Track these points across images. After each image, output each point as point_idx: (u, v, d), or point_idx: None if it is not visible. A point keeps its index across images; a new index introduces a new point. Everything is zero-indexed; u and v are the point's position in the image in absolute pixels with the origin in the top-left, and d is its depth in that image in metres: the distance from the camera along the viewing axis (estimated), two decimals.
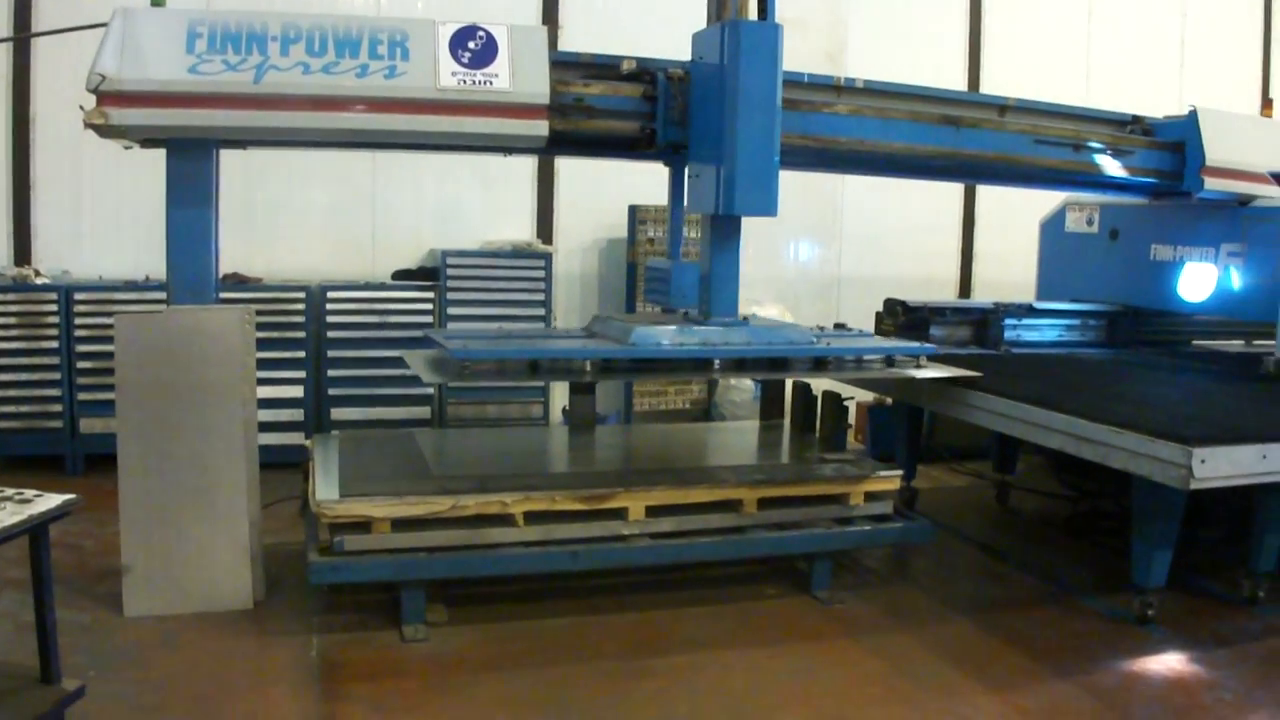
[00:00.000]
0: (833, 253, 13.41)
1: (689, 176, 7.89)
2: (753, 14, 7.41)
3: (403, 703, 6.02)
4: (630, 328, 7.52)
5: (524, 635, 6.96)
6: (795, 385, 9.39)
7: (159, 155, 6.91)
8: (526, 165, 12.09)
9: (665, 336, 7.49)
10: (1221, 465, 6.39)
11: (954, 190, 14.13)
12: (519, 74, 7.15)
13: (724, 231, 7.79)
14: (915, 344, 8.71)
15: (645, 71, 7.84)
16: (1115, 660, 7.04)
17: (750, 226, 12.40)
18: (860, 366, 8.26)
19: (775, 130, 7.38)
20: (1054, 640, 7.32)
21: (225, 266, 10.10)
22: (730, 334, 7.68)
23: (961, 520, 9.97)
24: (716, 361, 7.70)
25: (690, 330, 7.63)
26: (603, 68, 7.84)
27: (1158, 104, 10.87)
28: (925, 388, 8.39)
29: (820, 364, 8.06)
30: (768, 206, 7.46)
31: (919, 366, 8.28)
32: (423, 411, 11.08)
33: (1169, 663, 7.07)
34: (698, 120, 7.67)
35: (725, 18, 7.38)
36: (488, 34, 7.15)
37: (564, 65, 7.69)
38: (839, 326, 9.73)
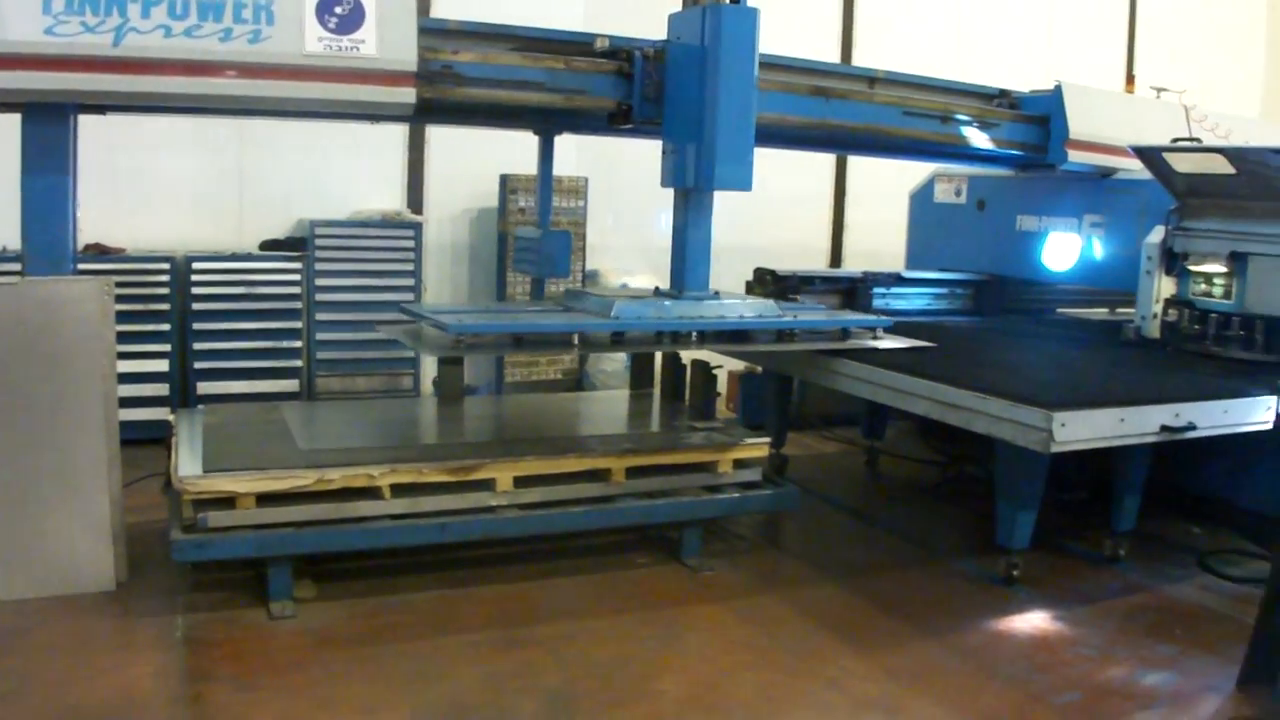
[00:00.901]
0: None
1: (664, 153, 7.93)
2: None
3: (269, 681, 5.90)
4: (610, 302, 7.63)
5: (393, 609, 6.89)
6: (665, 354, 9.37)
7: (14, 120, 6.72)
8: (398, 134, 11.93)
9: (646, 310, 7.70)
10: (1081, 429, 6.53)
11: (826, 161, 14.20)
12: (386, 40, 6.99)
13: (697, 207, 8.00)
14: (873, 317, 9.02)
15: (543, 44, 7.88)
16: (981, 620, 7.17)
17: (623, 197, 12.47)
18: (821, 338, 8.40)
19: (752, 109, 7.60)
20: (922, 602, 7.44)
21: (87, 237, 9.94)
22: (704, 308, 7.88)
23: (831, 486, 10.07)
24: (694, 334, 7.85)
25: (666, 304, 7.81)
26: (475, 35, 7.77)
27: (1027, 79, 11.02)
28: (793, 356, 8.44)
29: (785, 336, 8.18)
30: (745, 181, 7.69)
31: (876, 338, 8.50)
32: (291, 385, 10.88)
33: (1033, 621, 7.22)
34: (673, 98, 7.79)
35: (704, 1, 7.53)
36: None
37: (433, 32, 7.57)
38: (788, 299, 9.73)
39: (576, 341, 7.62)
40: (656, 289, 8.31)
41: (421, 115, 7.85)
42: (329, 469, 6.85)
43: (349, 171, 11.80)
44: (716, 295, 8.12)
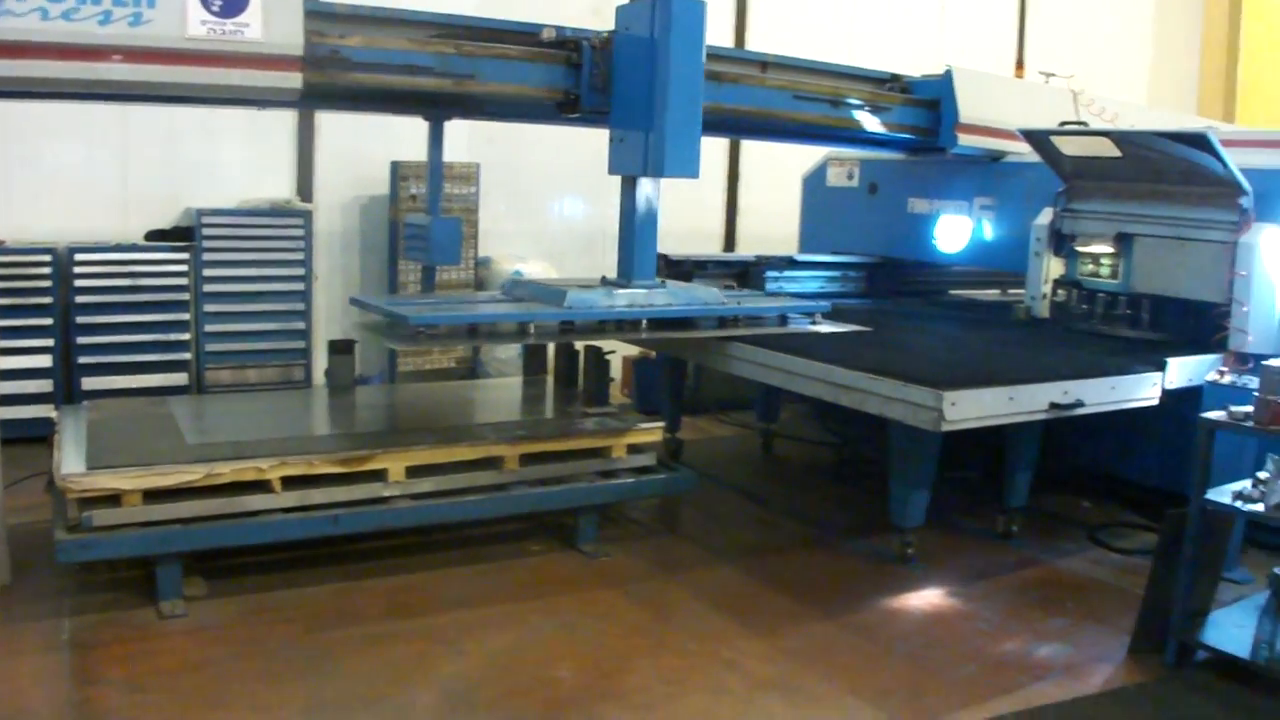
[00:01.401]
0: (598, 208, 13.37)
1: (611, 140, 8.01)
2: None
3: (160, 682, 5.78)
4: (561, 291, 7.68)
5: (286, 604, 6.77)
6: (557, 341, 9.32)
7: None
8: (287, 120, 11.77)
9: (598, 299, 7.72)
10: (971, 407, 6.60)
11: (719, 145, 14.18)
12: (271, 24, 6.84)
13: (645, 195, 8.07)
14: (811, 302, 9.10)
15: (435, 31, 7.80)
16: (877, 598, 7.24)
17: (516, 184, 12.40)
18: (764, 324, 8.47)
19: (699, 99, 7.77)
20: (818, 582, 7.49)
21: None
22: (653, 296, 7.97)
23: (727, 470, 10.08)
24: (644, 322, 7.96)
25: (616, 293, 7.85)
26: (364, 19, 7.67)
27: (919, 64, 11.09)
28: (683, 341, 8.47)
29: (728, 323, 8.30)
30: (694, 168, 7.83)
31: (815, 322, 8.60)
32: (180, 378, 10.64)
33: (928, 598, 7.31)
34: (621, 87, 7.87)
35: None
36: None
37: (321, 15, 7.36)
38: (727, 287, 9.74)
39: (533, 331, 7.70)
40: (603, 278, 8.32)
41: (309, 101, 7.77)
42: (217, 463, 6.73)
43: (237, 159, 11.57)
44: (664, 283, 8.25)
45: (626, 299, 7.85)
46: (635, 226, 8.11)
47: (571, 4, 12.44)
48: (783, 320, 8.59)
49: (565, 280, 8.75)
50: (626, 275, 8.10)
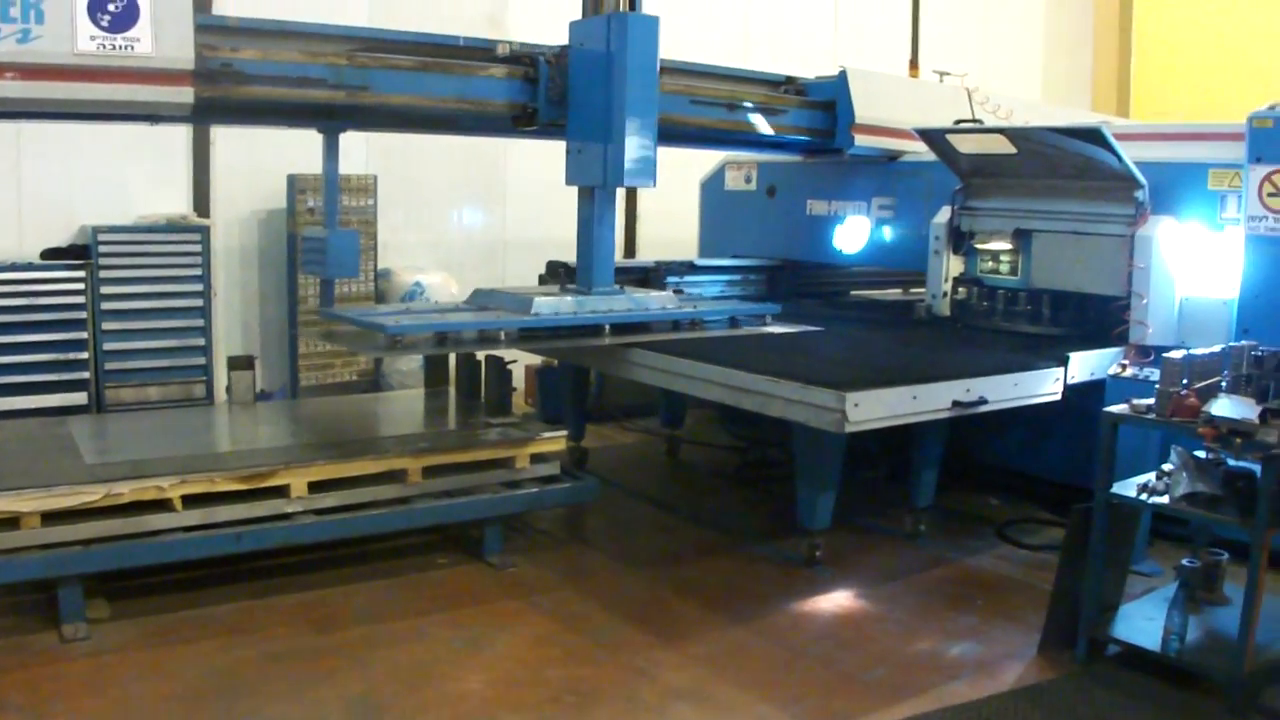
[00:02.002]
0: (497, 217, 13.30)
1: (569, 152, 8.24)
2: None
3: (64, 707, 5.64)
4: (528, 299, 7.95)
5: (191, 624, 6.63)
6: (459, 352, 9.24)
7: None
8: (182, 135, 11.55)
9: (563, 306, 8.05)
10: (874, 408, 6.55)
11: None
12: (161, 38, 6.72)
13: (603, 204, 8.41)
14: (761, 304, 9.35)
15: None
16: (787, 602, 7.20)
17: (415, 195, 12.30)
18: (718, 327, 8.74)
19: (655, 110, 8.07)
20: (727, 588, 7.44)
21: None
22: (613, 302, 8.32)
23: (633, 477, 10.04)
24: (606, 326, 8.23)
25: (581, 300, 8.18)
26: (251, 32, 7.54)
27: (814, 67, 11.10)
28: (585, 348, 8.41)
29: (685, 326, 8.59)
30: (651, 177, 8.17)
31: (765, 324, 8.85)
32: (79, 398, 10.39)
33: (838, 600, 7.29)
34: (578, 100, 8.14)
35: (605, 10, 8.04)
36: None
37: (213, 29, 7.28)
38: (678, 292, 9.78)
39: (503, 338, 7.87)
40: (562, 285, 8.76)
41: (202, 115, 7.65)
42: (117, 483, 6.58)
43: (134, 175, 11.34)
44: (622, 290, 8.54)
45: (590, 305, 8.16)
46: (593, 236, 8.42)
47: (467, 12, 12.43)
48: (734, 322, 8.83)
49: (527, 289, 8.87)
50: (587, 283, 8.39)
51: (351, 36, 7.88)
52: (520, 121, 8.37)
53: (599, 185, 8.21)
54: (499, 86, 8.14)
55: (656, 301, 8.61)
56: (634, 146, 7.94)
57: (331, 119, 8.01)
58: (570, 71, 8.21)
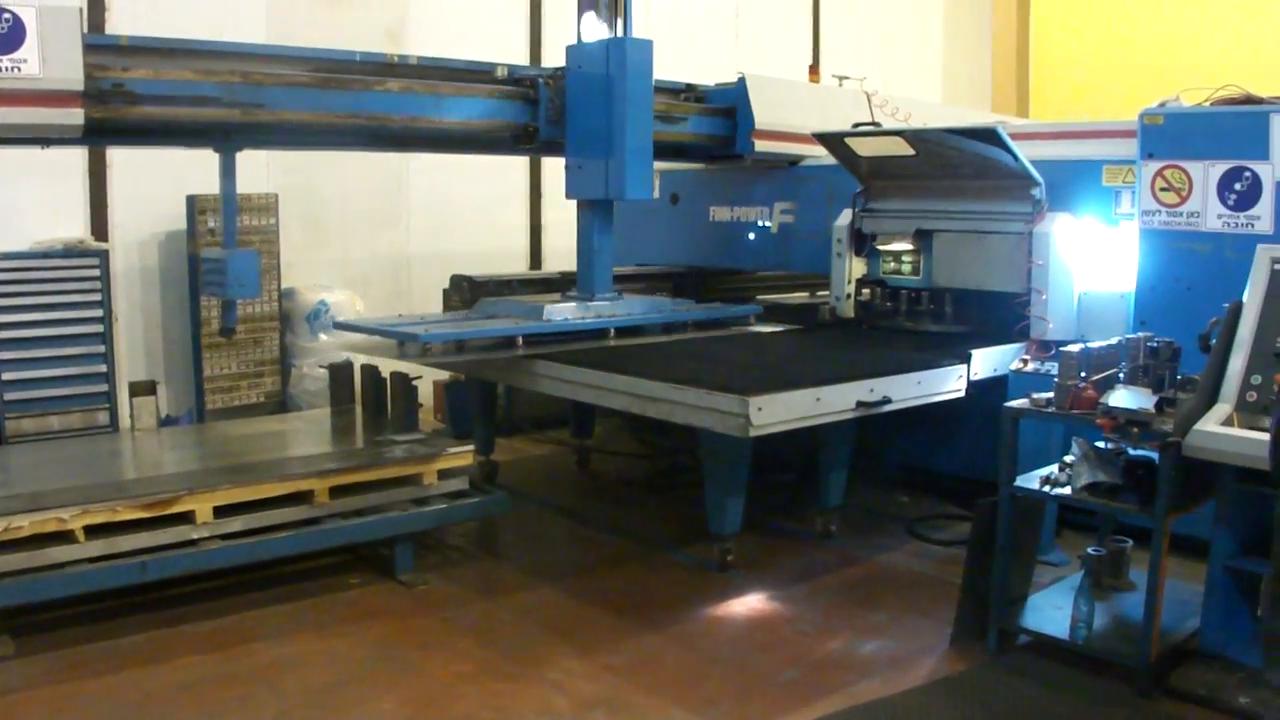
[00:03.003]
0: (401, 233, 13.23)
1: (568, 168, 9.01)
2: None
3: None
4: (539, 307, 8.70)
5: (100, 657, 6.49)
6: (364, 369, 9.25)
7: None
8: (78, 157, 11.35)
9: (570, 312, 8.80)
10: (778, 411, 6.57)
11: (519, 163, 14.12)
12: (50, 58, 6.64)
13: (603, 217, 9.17)
14: (745, 306, 9.96)
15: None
16: (700, 608, 7.21)
17: (318, 213, 12.20)
18: (707, 327, 9.49)
19: (650, 128, 8.84)
20: (639, 596, 7.44)
21: None
22: (615, 307, 9.08)
23: (544, 488, 10.02)
24: (611, 330, 8.85)
25: (586, 305, 8.95)
26: (143, 51, 7.46)
27: (715, 73, 11.13)
28: (490, 362, 8.43)
29: (678, 327, 9.34)
30: (649, 190, 8.94)
31: (750, 324, 9.62)
32: None
33: (750, 603, 7.30)
34: (577, 119, 8.83)
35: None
36: (14, 16, 6.58)
37: (103, 49, 7.23)
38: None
39: (521, 343, 8.36)
40: (564, 293, 9.39)
41: (94, 136, 7.53)
42: (15, 516, 6.44)
43: (27, 200, 11.09)
44: (621, 296, 9.29)
45: (594, 310, 8.90)
46: (594, 246, 9.17)
47: (366, 26, 12.37)
48: (721, 323, 9.56)
49: (533, 297, 9.49)
50: (589, 290, 9.15)
51: (245, 54, 7.84)
52: (521, 141, 8.98)
53: (601, 198, 8.87)
54: (506, 108, 8.78)
55: (653, 306, 9.45)
56: (634, 161, 8.60)
57: (228, 138, 7.93)
58: (569, 92, 8.83)
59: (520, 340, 8.39)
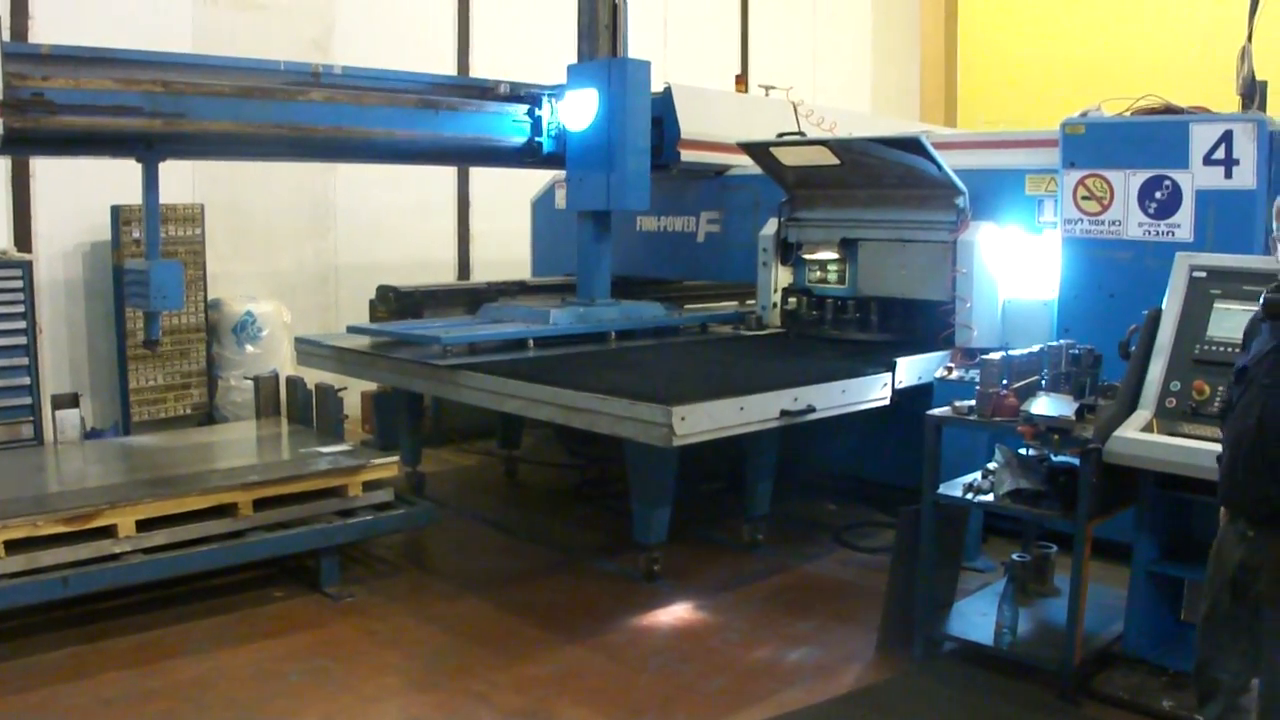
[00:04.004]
0: (328, 244, 13.16)
1: (569, 180, 9.65)
2: None
3: None
4: (544, 311, 9.20)
5: (20, 673, 6.38)
6: (289, 381, 9.21)
7: None
8: (1, 167, 11.22)
9: (574, 317, 9.23)
10: (702, 420, 6.59)
11: (448, 173, 14.09)
12: None
13: (601, 227, 9.63)
14: (730, 311, 10.55)
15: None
16: (626, 618, 7.20)
17: (245, 224, 12.12)
18: (704, 331, 10.06)
19: (648, 141, 9.36)
20: (566, 606, 7.42)
21: None
22: (613, 311, 9.50)
23: (472, 499, 9.99)
24: (612, 333, 9.33)
25: (588, 310, 9.39)
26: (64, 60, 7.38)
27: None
28: (416, 372, 8.43)
29: (667, 331, 9.82)
30: (646, 202, 9.36)
31: (737, 329, 9.94)
32: None
33: (677, 613, 7.30)
34: (578, 134, 9.37)
35: (600, 55, 9.53)
36: None
37: (22, 57, 7.10)
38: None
39: (531, 345, 8.87)
40: (564, 299, 9.88)
41: (14, 146, 7.44)
42: None
43: None
44: (618, 302, 9.70)
45: (596, 315, 9.33)
46: (594, 254, 9.68)
47: (292, 35, 12.29)
48: (704, 328, 10.10)
49: (534, 301, 10.13)
50: (589, 295, 9.63)
51: (166, 64, 7.76)
52: (525, 155, 9.60)
53: (602, 209, 9.33)
54: (514, 125, 9.43)
55: (648, 310, 9.80)
56: (633, 174, 9.08)
57: (150, 148, 7.86)
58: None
59: (531, 342, 8.89)
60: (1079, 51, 19.13)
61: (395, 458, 8.19)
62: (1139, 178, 7.67)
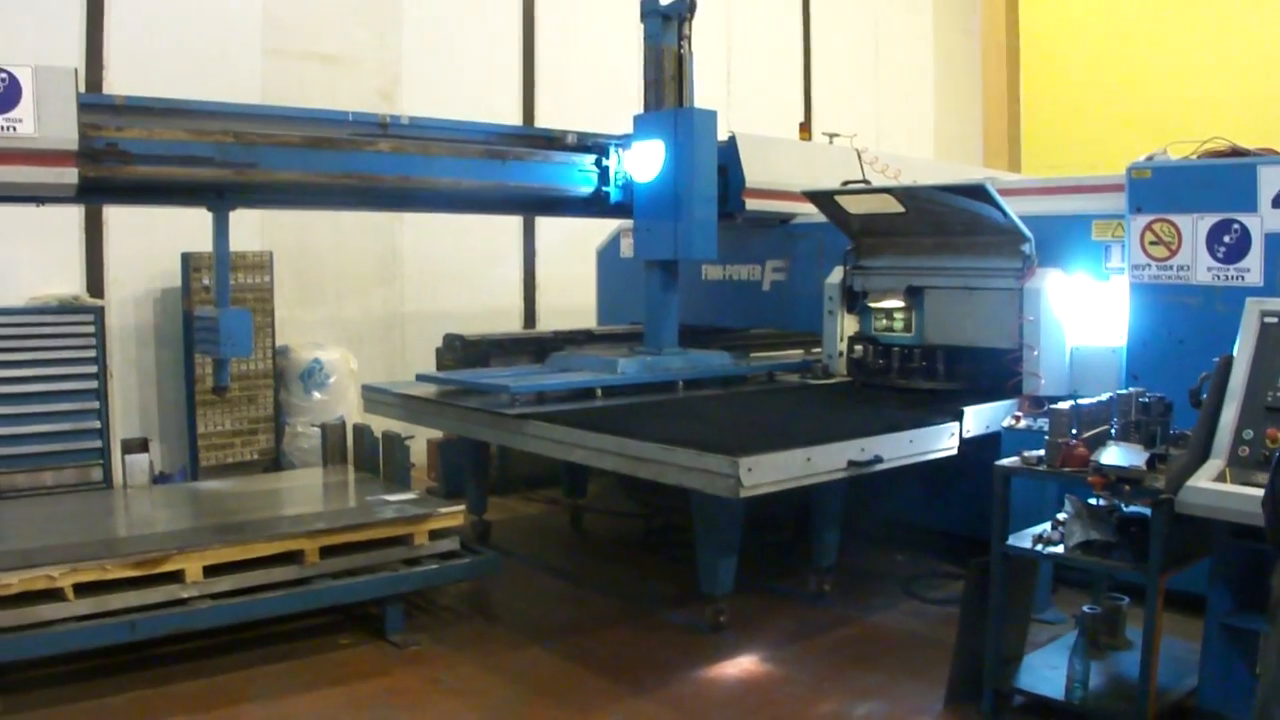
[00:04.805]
0: (395, 291, 13.25)
1: (637, 230, 9.63)
2: None
3: None
4: (614, 361, 9.24)
5: (87, 716, 6.42)
6: (356, 428, 9.25)
7: None
8: (74, 214, 11.36)
9: (642, 365, 9.25)
10: (768, 471, 6.54)
11: (514, 221, 14.17)
12: (44, 118, 6.70)
13: (670, 276, 9.61)
14: (797, 360, 10.41)
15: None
16: (691, 670, 7.13)
17: (311, 271, 12.22)
18: (770, 380, 9.96)
19: (715, 190, 9.37)
20: (631, 658, 7.37)
21: None
22: (680, 360, 9.50)
23: (537, 548, 9.98)
24: (680, 383, 9.26)
25: (655, 360, 9.39)
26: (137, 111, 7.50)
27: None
28: (482, 421, 8.43)
29: (735, 380, 9.73)
30: (713, 251, 9.34)
31: (804, 378, 9.87)
32: None
33: (743, 665, 7.23)
34: (644, 185, 9.39)
35: (666, 105, 9.37)
36: (10, 76, 6.63)
37: (98, 108, 7.29)
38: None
39: (599, 394, 8.88)
40: (631, 348, 9.94)
41: (88, 196, 7.57)
42: (6, 573, 6.39)
43: (24, 256, 11.10)
44: (685, 351, 9.68)
45: (663, 364, 9.32)
46: (661, 304, 9.66)
47: (360, 87, 12.42)
48: (770, 377, 9.98)
49: (610, 350, 10.16)
50: (656, 344, 9.61)
51: (237, 114, 7.90)
52: (592, 204, 9.74)
53: (670, 258, 9.32)
54: (581, 175, 9.57)
55: (715, 360, 9.74)
56: (700, 223, 9.09)
57: (220, 197, 7.96)
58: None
59: (599, 391, 8.87)
60: (1143, 94, 19.06)
61: (461, 506, 8.19)
62: (1207, 221, 7.60)
